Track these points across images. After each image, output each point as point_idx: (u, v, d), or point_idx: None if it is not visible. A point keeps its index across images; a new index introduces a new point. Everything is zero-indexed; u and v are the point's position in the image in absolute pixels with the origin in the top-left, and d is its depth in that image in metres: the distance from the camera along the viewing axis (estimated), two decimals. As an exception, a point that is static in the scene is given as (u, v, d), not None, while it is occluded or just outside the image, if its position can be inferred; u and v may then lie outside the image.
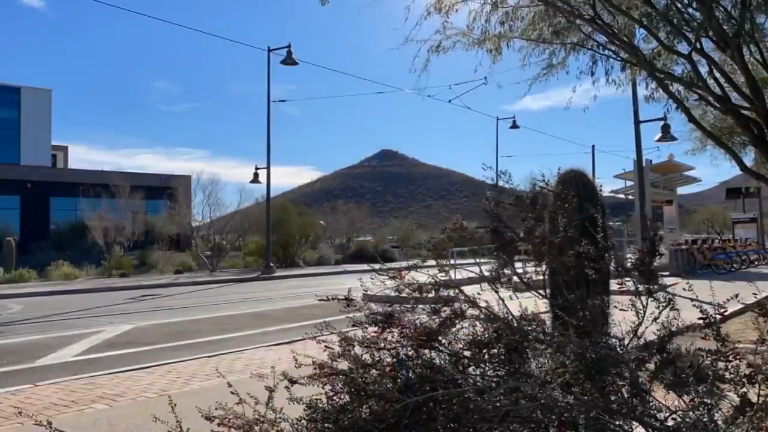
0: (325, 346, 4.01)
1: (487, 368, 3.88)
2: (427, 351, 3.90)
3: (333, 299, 4.09)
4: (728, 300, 3.70)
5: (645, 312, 3.78)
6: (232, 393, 3.87)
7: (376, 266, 4.23)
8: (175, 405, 3.80)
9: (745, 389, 3.27)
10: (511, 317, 3.99)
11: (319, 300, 4.12)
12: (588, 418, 3.34)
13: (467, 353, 3.91)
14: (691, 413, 3.31)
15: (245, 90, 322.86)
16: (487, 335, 3.92)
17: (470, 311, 4.04)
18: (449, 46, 10.75)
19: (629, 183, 32.39)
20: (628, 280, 3.96)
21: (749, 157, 21.76)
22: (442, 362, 3.86)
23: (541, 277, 4.33)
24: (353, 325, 4.07)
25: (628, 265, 4.06)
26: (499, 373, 3.84)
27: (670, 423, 3.38)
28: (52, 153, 62.72)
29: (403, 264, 4.43)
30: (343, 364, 3.89)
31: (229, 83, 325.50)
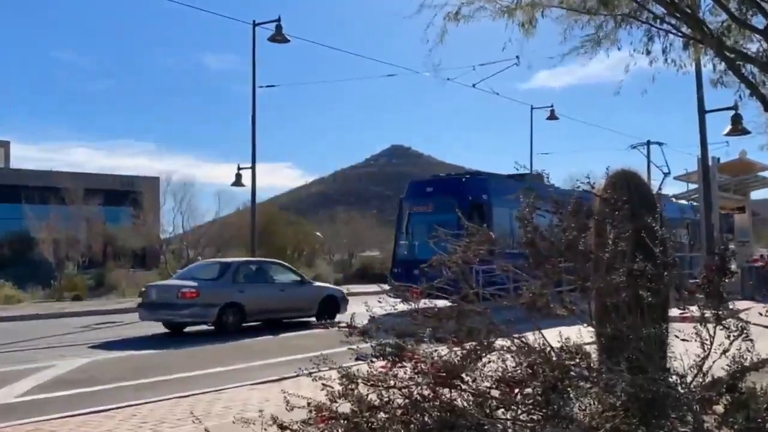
0: (323, 385, 4.02)
1: (519, 411, 3.89)
2: (447, 390, 3.91)
3: (332, 327, 4.10)
4: (814, 328, 3.70)
5: (712, 343, 3.78)
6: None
7: (385, 287, 4.24)
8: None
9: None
10: (549, 349, 3.99)
11: (316, 328, 4.13)
12: (643, 473, 3.34)
13: (496, 393, 3.92)
14: (768, 466, 3.31)
15: (184, 66, 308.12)
16: (519, 371, 3.93)
17: (499, 342, 4.05)
18: (470, 14, 10.73)
19: (692, 186, 32.29)
20: (692, 305, 3.96)
21: (840, 154, 21.68)
22: (465, 404, 3.87)
23: (585, 301, 4.33)
24: (357, 359, 4.09)
25: (692, 286, 4.06)
26: (534, 417, 3.84)
27: (743, 478, 3.38)
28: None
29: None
30: (345, 406, 3.90)
31: (160, 58, 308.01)
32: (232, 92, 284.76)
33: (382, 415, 3.86)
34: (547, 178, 5.24)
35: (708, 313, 3.88)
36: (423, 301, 4.20)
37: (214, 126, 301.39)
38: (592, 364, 3.96)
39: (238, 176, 36.01)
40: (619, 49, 11.27)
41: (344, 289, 24.85)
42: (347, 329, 4.08)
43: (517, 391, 3.92)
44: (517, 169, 4.90)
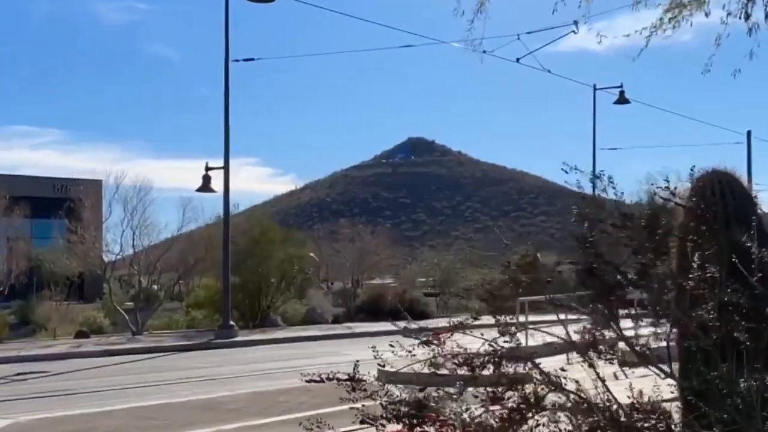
0: (318, 455, 4.04)
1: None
2: (481, 462, 3.93)
3: (330, 380, 4.12)
4: None
5: (832, 399, 3.78)
6: None
7: (401, 326, 4.26)
8: None
9: None
10: (616, 407, 4.00)
11: (308, 381, 4.15)
12: None
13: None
14: None
15: (66, 16, 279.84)
16: (577, 436, 3.94)
17: (551, 397, 4.07)
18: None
19: (809, 191, 32.22)
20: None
21: None
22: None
23: (663, 344, 4.34)
24: (362, 422, 4.11)
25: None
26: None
27: None
28: None
29: (444, 323, 4.46)
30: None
31: (32, 6, 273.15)
32: (152, 57, 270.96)
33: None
34: (611, 181, 5.21)
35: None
36: (449, 342, 4.21)
37: (138, 105, 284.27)
38: (673, 427, 3.97)
39: (206, 179, 35.56)
40: (707, 14, 11.27)
41: (346, 327, 24.74)
42: (349, 382, 4.10)
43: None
44: (566, 172, 4.88)
